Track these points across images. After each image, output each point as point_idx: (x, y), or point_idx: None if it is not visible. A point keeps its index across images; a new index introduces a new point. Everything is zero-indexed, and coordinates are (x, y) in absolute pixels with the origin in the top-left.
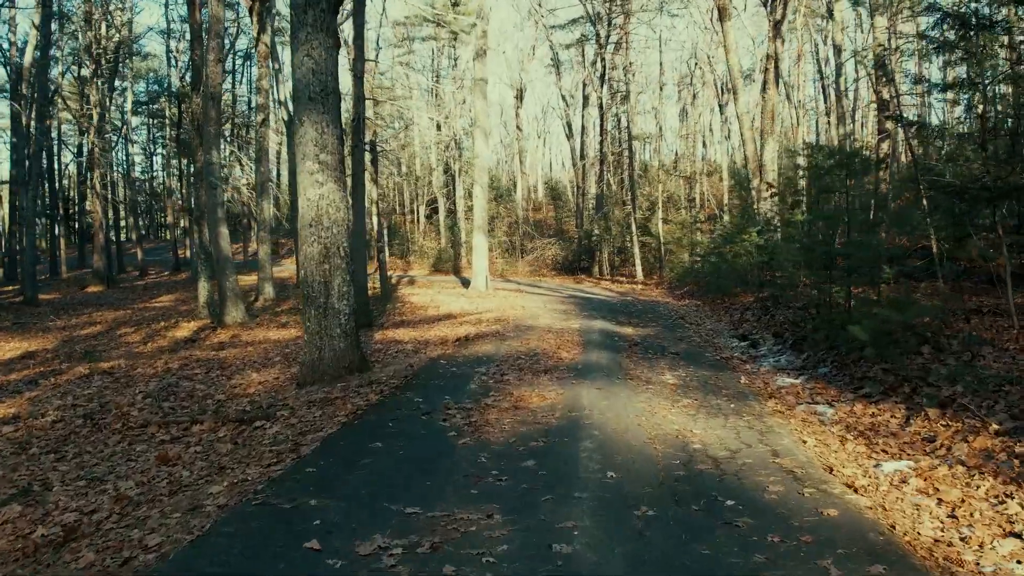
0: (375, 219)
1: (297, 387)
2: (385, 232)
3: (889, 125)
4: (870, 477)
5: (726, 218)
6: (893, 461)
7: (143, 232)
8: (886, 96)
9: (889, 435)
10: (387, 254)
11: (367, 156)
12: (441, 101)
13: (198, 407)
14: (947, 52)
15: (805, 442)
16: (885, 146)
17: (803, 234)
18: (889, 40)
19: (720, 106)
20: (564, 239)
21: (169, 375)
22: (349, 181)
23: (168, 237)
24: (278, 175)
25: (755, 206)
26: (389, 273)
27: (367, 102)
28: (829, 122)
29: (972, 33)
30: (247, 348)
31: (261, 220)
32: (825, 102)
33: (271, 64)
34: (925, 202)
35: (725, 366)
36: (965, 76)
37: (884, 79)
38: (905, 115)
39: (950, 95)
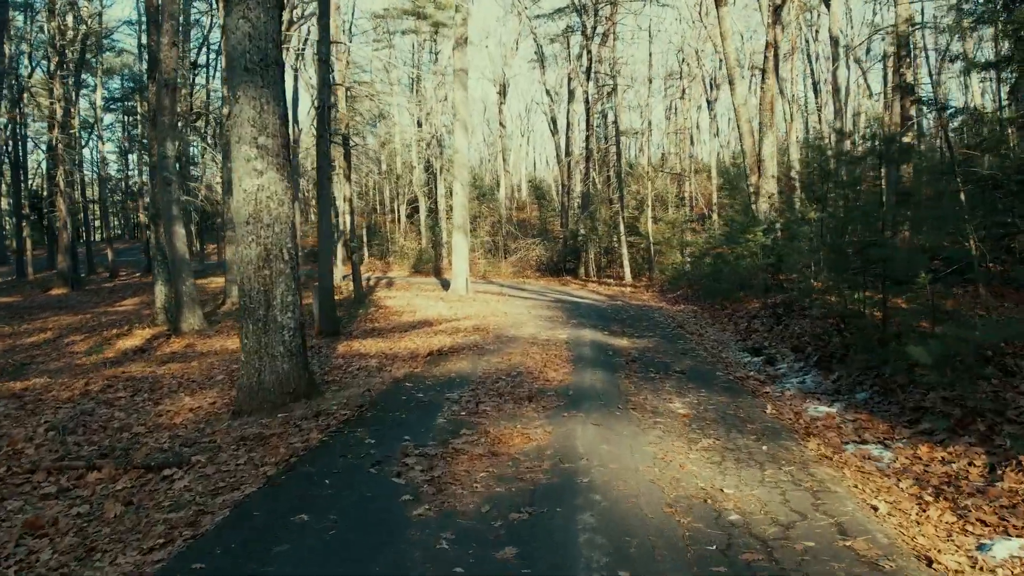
0: (348, 218)
1: (232, 416)
2: (364, 232)
3: (915, 111)
4: (984, 571)
5: (715, 218)
6: (1003, 539)
7: (119, 232)
8: (910, 78)
9: (976, 493)
10: (365, 255)
11: (339, 151)
12: (422, 97)
13: (108, 443)
14: (990, 24)
15: (875, 508)
16: (909, 136)
17: (818, 233)
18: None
19: (708, 102)
20: (548, 239)
21: (87, 399)
22: (313, 175)
23: (144, 237)
24: None
25: (753, 204)
26: (367, 275)
27: (341, 93)
28: (820, 118)
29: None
30: (192, 363)
31: (229, 218)
32: (816, 98)
33: None
34: (963, 196)
35: (742, 389)
36: (1007, 53)
37: (908, 59)
38: (932, 99)
39: (975, 77)
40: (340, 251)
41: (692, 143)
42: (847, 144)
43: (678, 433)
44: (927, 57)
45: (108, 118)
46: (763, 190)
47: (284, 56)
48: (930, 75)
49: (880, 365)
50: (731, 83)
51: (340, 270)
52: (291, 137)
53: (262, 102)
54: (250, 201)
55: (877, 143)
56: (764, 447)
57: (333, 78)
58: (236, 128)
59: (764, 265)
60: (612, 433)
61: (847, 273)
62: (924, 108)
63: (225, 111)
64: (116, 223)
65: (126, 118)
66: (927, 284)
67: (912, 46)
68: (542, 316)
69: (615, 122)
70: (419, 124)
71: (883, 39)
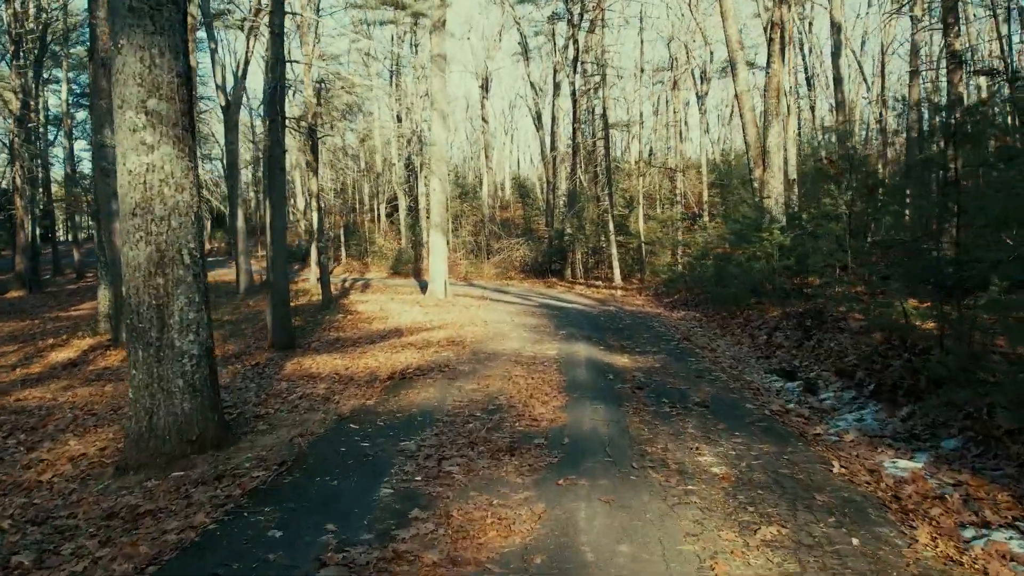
0: (315, 215)
1: (115, 473)
2: (341, 232)
3: (981, 81)
4: None
5: (705, 218)
6: None
7: (90, 233)
8: (958, 47)
9: None
10: (343, 255)
11: (303, 141)
12: (402, 91)
13: None
14: None
15: None
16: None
17: (847, 229)
18: None
19: (698, 97)
20: (533, 239)
21: None
22: (260, 161)
23: None
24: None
25: (759, 200)
26: (344, 276)
27: (307, 79)
28: (814, 113)
29: None
30: (108, 386)
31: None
32: (810, 91)
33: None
34: None
35: (787, 430)
36: None
37: (956, 28)
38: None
39: None
40: (314, 251)
41: (681, 139)
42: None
43: (722, 512)
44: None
45: (81, 114)
46: (769, 185)
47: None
48: (1001, 44)
49: (971, 401)
50: (733, 68)
51: (314, 272)
52: (194, 102)
53: (153, 53)
54: (137, 185)
55: (941, 117)
56: (853, 539)
57: (289, 54)
58: (119, 88)
59: (780, 267)
60: (630, 516)
61: (902, 279)
62: (984, 79)
63: None
64: (88, 223)
65: None
66: (1002, 292)
67: (961, 14)
68: (527, 325)
69: (603, 115)
70: (399, 119)
71: (882, 29)
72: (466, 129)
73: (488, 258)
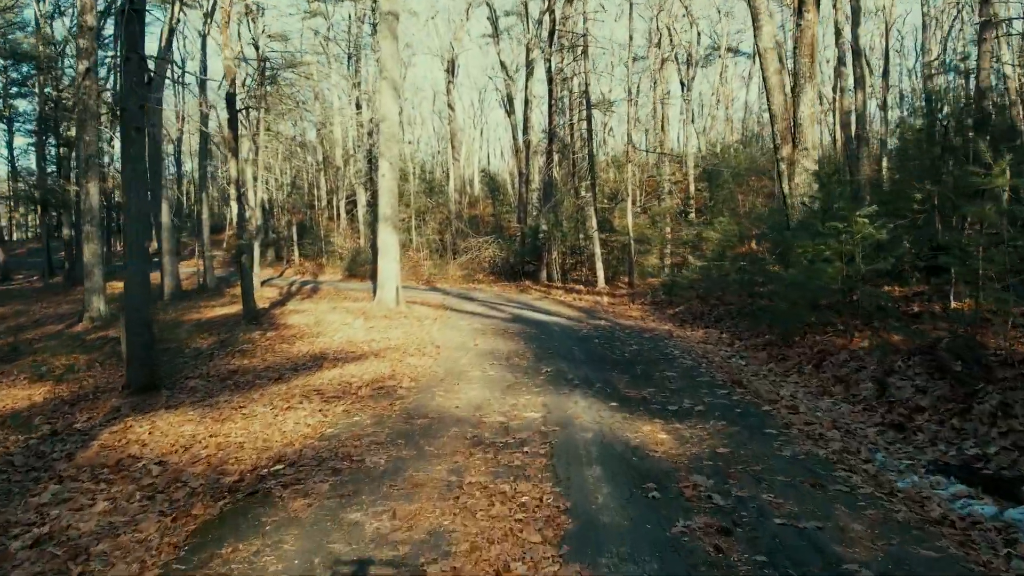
0: (235, 206)
1: None
2: (294, 231)
3: None
4: None
5: (692, 214)
6: None
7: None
8: None
9: None
10: (296, 255)
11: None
12: (362, 78)
13: None
14: None
15: None
16: None
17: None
18: None
19: (683, 84)
20: (504, 238)
21: None
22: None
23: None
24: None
25: (784, 184)
26: (294, 279)
27: (225, 36)
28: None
29: None
30: None
31: (85, 209)
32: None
33: None
34: None
35: None
36: None
37: None
38: None
39: None
40: (256, 253)
41: (663, 129)
42: None
43: None
44: None
45: (25, 106)
46: (800, 165)
47: None
48: None
49: None
50: (755, 19)
51: (259, 276)
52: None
53: None
54: None
55: None
56: None
57: None
58: None
59: (867, 272)
60: None
61: None
62: None
63: (80, 67)
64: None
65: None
66: None
67: None
68: (495, 353)
69: (585, 92)
70: (358, 107)
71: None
72: (433, 124)
73: (454, 258)
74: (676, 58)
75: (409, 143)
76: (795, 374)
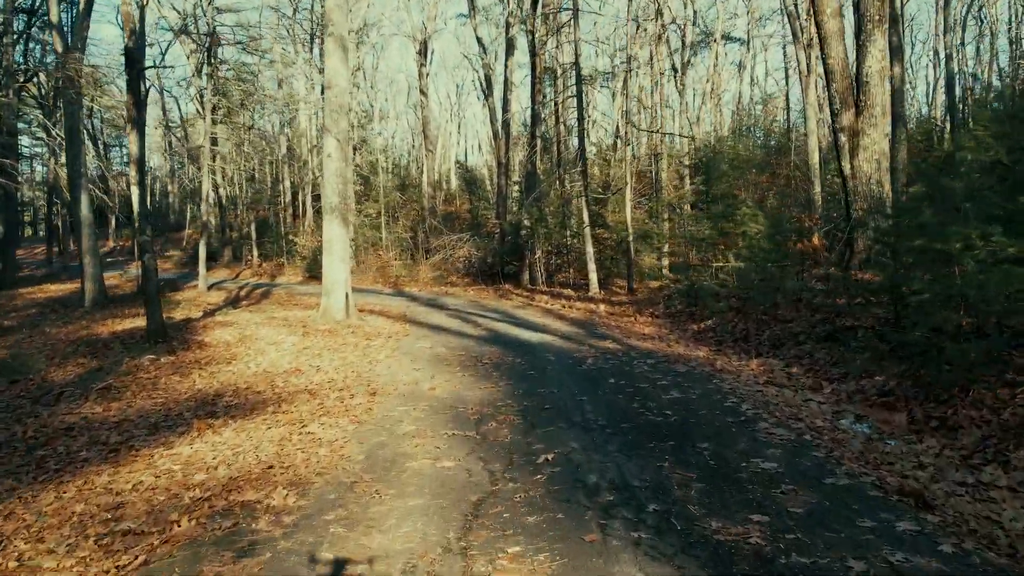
0: (136, 191)
1: None
2: (252, 228)
3: None
4: None
5: (687, 208)
6: None
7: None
8: None
9: None
10: (254, 255)
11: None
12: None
13: None
14: None
15: None
16: None
17: None
18: None
19: (675, 70)
20: (481, 235)
21: None
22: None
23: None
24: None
25: (845, 163)
26: (247, 282)
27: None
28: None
29: None
30: None
31: None
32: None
33: None
34: None
35: None
36: None
37: None
38: None
39: None
40: (202, 250)
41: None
42: None
43: None
44: None
45: None
46: (867, 136)
47: None
48: None
49: None
50: None
51: (203, 279)
52: None
53: None
54: None
55: None
56: None
57: None
58: None
59: None
60: None
61: None
62: None
63: None
64: None
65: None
66: None
67: None
68: (458, 412)
69: (576, 63)
70: (323, 91)
71: None
72: (408, 119)
73: (426, 258)
74: (668, 42)
75: (380, 134)
76: (993, 466)
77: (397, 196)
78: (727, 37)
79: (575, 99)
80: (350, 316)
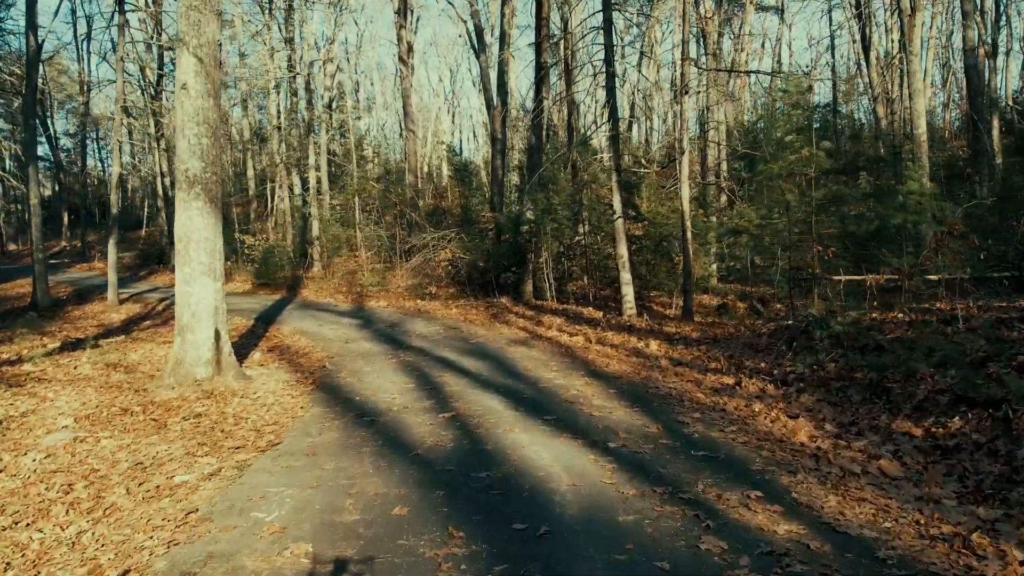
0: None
1: None
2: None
3: None
4: None
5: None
6: None
7: None
8: None
9: None
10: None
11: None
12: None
13: None
14: None
15: None
16: None
17: None
18: None
19: (703, 34)
20: (472, 232)
21: None
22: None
23: None
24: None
25: None
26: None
27: None
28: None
29: None
30: None
31: None
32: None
33: None
34: None
35: None
36: None
37: None
38: None
39: None
40: (113, 251)
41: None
42: None
43: None
44: None
45: None
46: None
47: None
48: None
49: None
50: None
51: (113, 289)
52: None
53: None
54: None
55: None
56: None
57: None
58: None
59: None
60: None
61: None
62: None
63: None
64: None
65: None
66: None
67: None
68: None
69: None
70: (291, 67)
71: None
72: (398, 110)
73: (405, 261)
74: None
75: (359, 119)
76: None
77: (374, 185)
78: (760, 7)
79: (600, 31)
80: (223, 371)
